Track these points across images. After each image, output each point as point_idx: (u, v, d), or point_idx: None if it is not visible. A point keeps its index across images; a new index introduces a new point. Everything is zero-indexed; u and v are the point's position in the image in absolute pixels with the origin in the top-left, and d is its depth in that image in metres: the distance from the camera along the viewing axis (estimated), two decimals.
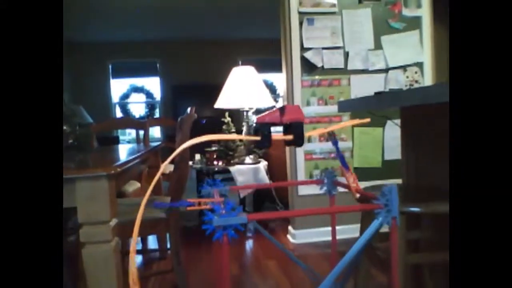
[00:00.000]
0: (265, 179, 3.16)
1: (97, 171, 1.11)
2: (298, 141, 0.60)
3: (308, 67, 2.82)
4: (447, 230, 1.23)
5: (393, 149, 2.89)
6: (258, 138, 0.61)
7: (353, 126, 2.88)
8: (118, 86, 7.74)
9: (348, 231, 2.70)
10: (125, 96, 7.88)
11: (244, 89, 3.12)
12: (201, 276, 2.36)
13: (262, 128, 0.61)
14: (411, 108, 1.47)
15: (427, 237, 1.35)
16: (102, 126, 2.91)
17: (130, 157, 1.40)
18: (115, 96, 7.73)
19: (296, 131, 0.59)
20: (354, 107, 1.32)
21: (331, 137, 0.60)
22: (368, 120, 0.84)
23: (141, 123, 3.00)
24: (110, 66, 7.45)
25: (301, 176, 2.84)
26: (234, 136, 0.68)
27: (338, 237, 2.76)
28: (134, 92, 7.86)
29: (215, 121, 4.72)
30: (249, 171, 3.13)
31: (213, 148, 3.22)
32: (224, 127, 3.21)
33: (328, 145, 2.86)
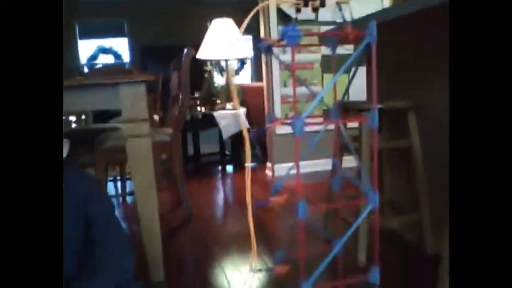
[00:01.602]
0: (245, 123, 3.51)
1: (138, 77, 1.41)
2: None
3: (284, 19, 3.15)
4: (400, 125, 1.62)
5: (358, 93, 3.31)
6: None
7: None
8: (85, 48, 7.68)
9: (323, 164, 3.13)
10: (93, 57, 7.84)
11: (225, 40, 3.39)
12: (194, 201, 2.73)
13: None
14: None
15: (385, 134, 1.76)
16: (98, 72, 3.10)
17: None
18: (83, 58, 7.69)
19: None
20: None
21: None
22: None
23: (128, 71, 3.22)
24: (77, 27, 7.36)
25: (278, 117, 3.21)
26: None
27: (313, 169, 3.17)
28: (102, 53, 7.84)
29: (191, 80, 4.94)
30: (231, 116, 3.46)
31: (196, 95, 3.51)
32: (206, 75, 3.49)
33: (302, 90, 3.24)
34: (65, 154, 1.07)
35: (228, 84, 3.60)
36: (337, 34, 0.82)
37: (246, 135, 0.81)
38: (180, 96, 2.27)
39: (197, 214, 2.42)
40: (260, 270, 1.55)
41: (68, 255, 1.08)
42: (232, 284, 1.52)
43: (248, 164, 0.77)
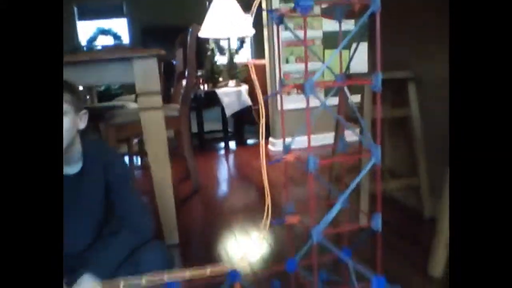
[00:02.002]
0: (247, 100, 3.58)
1: (149, 52, 1.48)
2: None
3: None
4: (400, 95, 1.70)
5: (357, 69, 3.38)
6: None
7: None
8: (84, 29, 7.67)
9: (325, 139, 3.22)
10: (92, 39, 7.82)
11: (227, 18, 3.42)
12: (200, 175, 2.83)
13: None
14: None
15: (386, 104, 1.84)
16: (108, 51, 3.15)
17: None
18: (82, 39, 7.68)
19: None
20: None
21: None
22: None
23: (135, 50, 3.27)
24: (75, 8, 7.33)
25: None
26: None
27: (315, 143, 3.25)
28: (102, 35, 7.81)
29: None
30: (233, 93, 3.53)
31: (199, 73, 3.56)
32: (209, 53, 3.54)
33: (302, 67, 3.29)
34: (84, 125, 1.14)
35: (231, 62, 3.65)
36: (344, 2, 0.89)
37: (261, 103, 0.89)
38: (186, 73, 2.34)
39: (204, 186, 2.52)
40: (272, 223, 1.65)
41: (92, 221, 1.17)
42: (241, 244, 1.62)
43: (262, 122, 0.86)
